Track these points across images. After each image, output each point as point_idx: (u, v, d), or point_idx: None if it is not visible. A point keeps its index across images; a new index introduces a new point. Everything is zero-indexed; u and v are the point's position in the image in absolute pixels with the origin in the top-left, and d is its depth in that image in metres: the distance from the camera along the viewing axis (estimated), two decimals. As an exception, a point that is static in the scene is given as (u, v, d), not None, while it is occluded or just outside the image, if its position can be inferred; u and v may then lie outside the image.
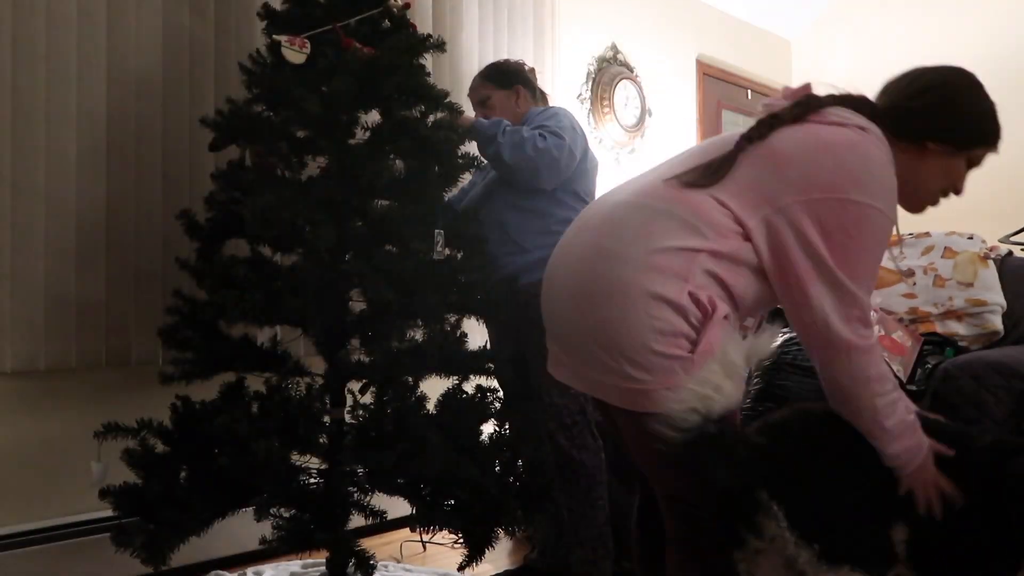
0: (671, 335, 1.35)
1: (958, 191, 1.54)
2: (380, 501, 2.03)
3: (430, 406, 2.20)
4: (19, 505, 2.36)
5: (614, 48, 4.24)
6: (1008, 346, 2.58)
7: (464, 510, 2.03)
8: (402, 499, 2.09)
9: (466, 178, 2.33)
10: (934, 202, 1.56)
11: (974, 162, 1.52)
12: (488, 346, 2.52)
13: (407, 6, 2.31)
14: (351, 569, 1.96)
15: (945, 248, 2.82)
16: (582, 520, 2.41)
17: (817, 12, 5.37)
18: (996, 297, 2.71)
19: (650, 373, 1.35)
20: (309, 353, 2.38)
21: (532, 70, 2.75)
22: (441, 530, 2.11)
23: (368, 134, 2.16)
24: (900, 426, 1.37)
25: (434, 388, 2.23)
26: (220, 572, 2.49)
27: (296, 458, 2.03)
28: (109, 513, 2.09)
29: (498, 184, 2.50)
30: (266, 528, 1.95)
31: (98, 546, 2.30)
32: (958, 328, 2.69)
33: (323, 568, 2.12)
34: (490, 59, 3.53)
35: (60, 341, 2.39)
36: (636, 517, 1.69)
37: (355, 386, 2.20)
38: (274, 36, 2.13)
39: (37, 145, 2.36)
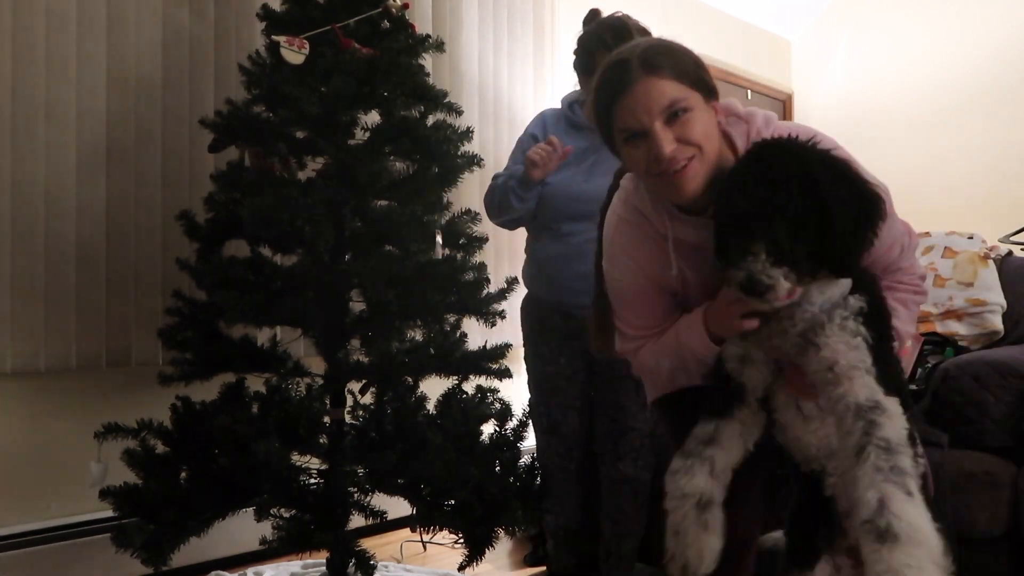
0: None
1: (654, 160, 1.37)
2: (380, 501, 2.03)
3: (430, 406, 2.20)
4: (19, 505, 2.36)
5: (614, 48, 4.23)
6: (1008, 346, 2.57)
7: (464, 510, 2.03)
8: (402, 499, 2.09)
9: (465, 178, 2.33)
10: (656, 182, 1.41)
11: (622, 129, 1.38)
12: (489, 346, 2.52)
13: (406, 6, 2.31)
14: (351, 569, 1.96)
15: (945, 248, 2.82)
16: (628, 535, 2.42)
17: (817, 12, 5.37)
18: (996, 297, 2.71)
19: None
20: (309, 353, 2.38)
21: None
22: (441, 530, 2.10)
23: (367, 134, 2.17)
24: (677, 349, 1.48)
25: (434, 388, 2.23)
26: (220, 572, 2.49)
27: (296, 458, 2.03)
28: (109, 513, 2.09)
29: None
30: (266, 528, 1.95)
31: (98, 546, 2.30)
32: (958, 328, 2.69)
33: (323, 568, 2.12)
34: (490, 59, 3.54)
35: (60, 341, 2.40)
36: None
37: (355, 386, 2.20)
38: (273, 37, 2.13)
39: (37, 145, 2.37)
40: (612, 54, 1.42)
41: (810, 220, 1.23)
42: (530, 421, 2.36)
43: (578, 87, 2.47)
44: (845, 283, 1.32)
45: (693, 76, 1.37)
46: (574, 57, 2.41)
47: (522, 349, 3.73)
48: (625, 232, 1.52)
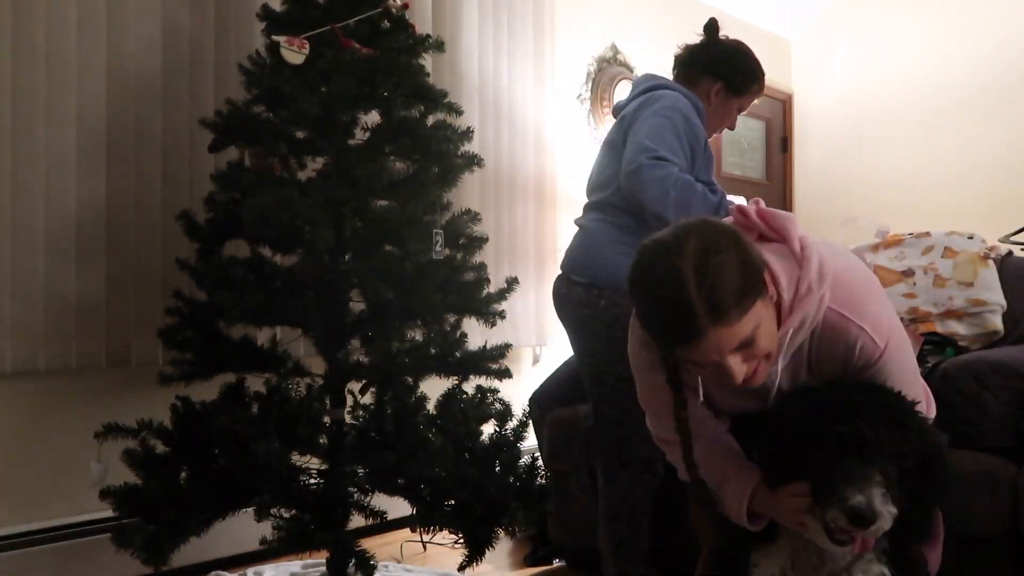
0: None
1: (725, 378, 1.31)
2: (380, 501, 2.03)
3: (430, 406, 2.20)
4: (19, 505, 2.36)
5: (614, 48, 4.24)
6: (1008, 346, 2.57)
7: (464, 510, 2.03)
8: (402, 499, 2.09)
9: (465, 178, 2.32)
10: None
11: (688, 360, 1.33)
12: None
13: (406, 6, 2.31)
14: (351, 569, 1.96)
15: (945, 248, 2.81)
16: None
17: (817, 12, 5.37)
18: (996, 297, 2.70)
19: None
20: (309, 353, 2.38)
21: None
22: (441, 530, 2.11)
23: (367, 134, 2.17)
24: (716, 487, 1.43)
25: (434, 388, 2.23)
26: (220, 572, 2.49)
27: (296, 458, 2.03)
28: (109, 513, 2.09)
29: None
30: (266, 528, 1.95)
31: (98, 546, 2.30)
32: (958, 328, 2.69)
33: (323, 568, 2.12)
34: (490, 59, 3.54)
35: (60, 341, 2.39)
36: None
37: (355, 386, 2.20)
38: (273, 37, 2.13)
39: (37, 145, 2.37)
40: (660, 286, 1.25)
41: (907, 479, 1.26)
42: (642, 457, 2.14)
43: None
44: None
45: (754, 291, 1.24)
46: (723, 68, 2.35)
47: (523, 350, 3.73)
48: (645, 358, 1.48)
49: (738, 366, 1.26)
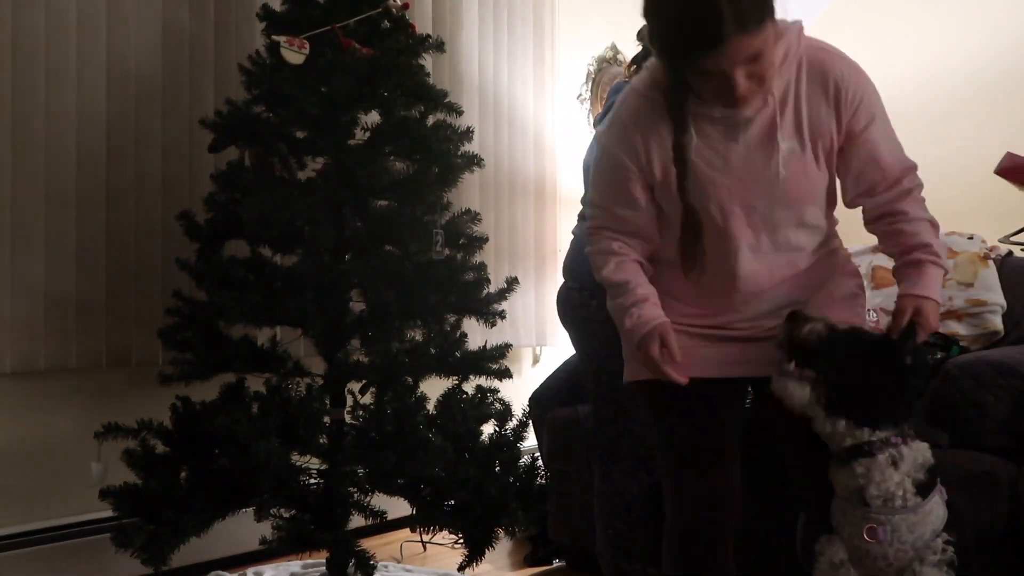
0: None
1: (727, 93, 1.42)
2: (380, 501, 2.04)
3: (430, 406, 2.20)
4: (19, 505, 2.36)
5: (614, 48, 4.23)
6: (1008, 346, 2.57)
7: (464, 510, 2.04)
8: (402, 499, 2.09)
9: (465, 178, 2.33)
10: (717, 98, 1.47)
11: (700, 71, 1.40)
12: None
13: (406, 6, 2.31)
14: (351, 569, 1.96)
15: (945, 248, 2.82)
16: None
17: (817, 12, 5.38)
18: (996, 297, 2.70)
19: None
20: (309, 353, 2.38)
21: None
22: (441, 530, 2.11)
23: (367, 134, 2.17)
24: (619, 307, 1.56)
25: (434, 388, 2.23)
26: (220, 572, 2.49)
27: (296, 458, 2.03)
28: (109, 513, 2.09)
29: None
30: (266, 528, 1.95)
31: (98, 546, 2.30)
32: (958, 328, 2.69)
33: (323, 568, 2.12)
34: (490, 59, 3.54)
35: (60, 341, 2.39)
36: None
37: (355, 386, 2.21)
38: (273, 37, 2.13)
39: (37, 145, 2.37)
40: None
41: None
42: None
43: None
44: (933, 517, 1.45)
45: (770, 8, 1.35)
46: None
47: (523, 350, 3.73)
48: (634, 106, 1.55)
49: (743, 80, 1.36)
